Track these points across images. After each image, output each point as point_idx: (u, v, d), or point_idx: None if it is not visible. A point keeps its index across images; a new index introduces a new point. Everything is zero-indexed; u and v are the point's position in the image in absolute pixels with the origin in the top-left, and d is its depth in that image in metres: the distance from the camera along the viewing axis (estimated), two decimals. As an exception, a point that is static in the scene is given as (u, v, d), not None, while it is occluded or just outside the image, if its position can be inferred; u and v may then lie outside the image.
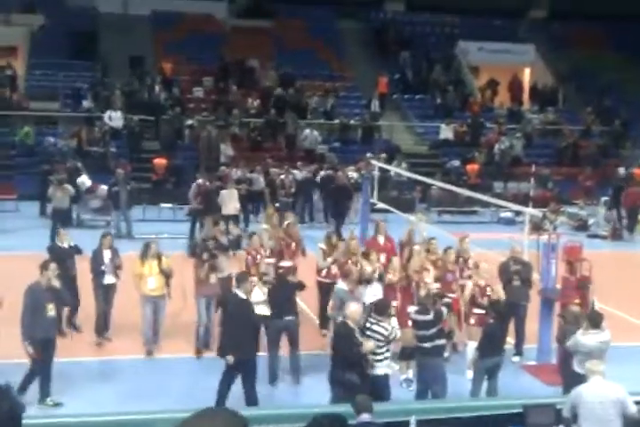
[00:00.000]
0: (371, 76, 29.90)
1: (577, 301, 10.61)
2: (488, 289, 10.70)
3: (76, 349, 10.85)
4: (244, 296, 9.49)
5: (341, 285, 10.80)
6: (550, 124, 29.23)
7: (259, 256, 11.81)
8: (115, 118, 24.88)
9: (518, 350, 11.45)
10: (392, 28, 33.01)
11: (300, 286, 10.71)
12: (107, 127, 24.61)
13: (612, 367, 7.75)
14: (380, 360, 8.69)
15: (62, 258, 10.95)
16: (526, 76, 33.56)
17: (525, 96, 31.98)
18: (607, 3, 34.55)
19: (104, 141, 24.13)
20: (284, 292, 10.29)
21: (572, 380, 8.81)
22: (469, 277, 11.13)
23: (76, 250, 11.73)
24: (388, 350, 8.81)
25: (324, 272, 12.12)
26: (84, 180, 20.27)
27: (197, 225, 18.62)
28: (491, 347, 9.30)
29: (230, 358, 8.98)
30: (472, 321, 10.60)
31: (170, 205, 21.09)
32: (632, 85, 31.95)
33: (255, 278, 10.79)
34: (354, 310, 8.68)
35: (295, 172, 21.67)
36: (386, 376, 8.81)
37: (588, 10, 34.39)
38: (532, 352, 11.38)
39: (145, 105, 26.28)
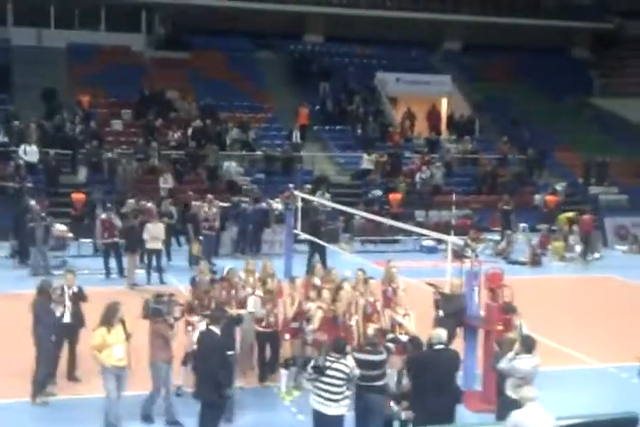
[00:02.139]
0: (291, 107, 30.05)
1: (500, 327, 10.73)
2: (406, 318, 10.77)
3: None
4: (219, 334, 9.14)
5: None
6: (468, 153, 29.82)
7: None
8: (30, 153, 24.27)
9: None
10: (311, 59, 33.34)
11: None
12: (22, 162, 24.00)
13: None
14: (338, 400, 8.45)
15: None
16: (444, 106, 34.26)
17: (443, 126, 32.61)
18: (517, 35, 35.77)
19: (19, 176, 23.49)
20: None
21: (504, 405, 8.86)
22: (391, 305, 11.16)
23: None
24: (348, 389, 8.58)
25: (263, 322, 11.27)
26: None
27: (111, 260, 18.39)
28: None
29: (230, 391, 8.88)
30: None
31: (89, 240, 20.62)
32: (540, 116, 33.00)
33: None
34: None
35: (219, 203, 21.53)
36: (341, 418, 8.55)
37: (499, 42, 35.52)
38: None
39: (61, 139, 25.75)
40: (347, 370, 8.47)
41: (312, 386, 8.70)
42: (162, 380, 9.81)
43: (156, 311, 10.02)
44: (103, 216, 18.70)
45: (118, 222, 18.52)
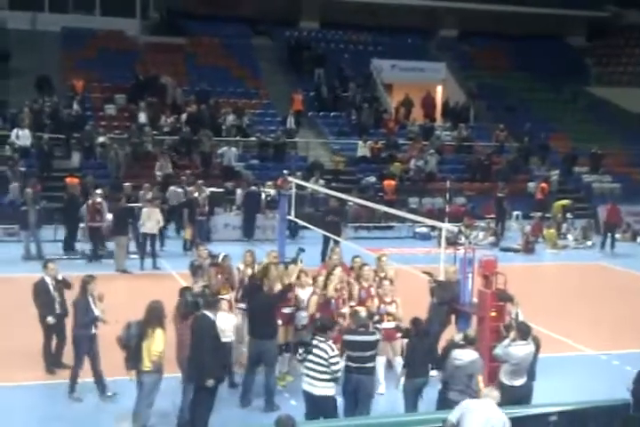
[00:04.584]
0: (286, 93, 29.96)
1: (493, 313, 10.73)
2: (393, 305, 10.82)
3: None
4: (214, 318, 9.17)
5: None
6: (463, 140, 29.76)
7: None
8: (22, 137, 24.15)
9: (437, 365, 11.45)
10: (307, 45, 33.18)
11: None
12: (15, 146, 23.87)
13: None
14: (324, 380, 8.54)
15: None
16: (438, 93, 34.19)
17: (438, 113, 32.54)
18: (512, 23, 35.68)
19: (12, 160, 23.38)
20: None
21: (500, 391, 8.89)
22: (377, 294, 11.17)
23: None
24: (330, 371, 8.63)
25: None
26: None
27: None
28: (415, 366, 9.27)
29: (211, 382, 8.78)
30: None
31: (82, 224, 20.50)
32: (535, 104, 32.95)
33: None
34: None
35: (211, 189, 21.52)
36: (331, 398, 8.62)
37: (496, 29, 35.44)
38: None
39: (54, 123, 25.62)
40: (331, 352, 8.52)
41: (302, 367, 8.79)
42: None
43: (196, 305, 9.73)
44: (91, 201, 18.56)
45: (105, 207, 18.42)
